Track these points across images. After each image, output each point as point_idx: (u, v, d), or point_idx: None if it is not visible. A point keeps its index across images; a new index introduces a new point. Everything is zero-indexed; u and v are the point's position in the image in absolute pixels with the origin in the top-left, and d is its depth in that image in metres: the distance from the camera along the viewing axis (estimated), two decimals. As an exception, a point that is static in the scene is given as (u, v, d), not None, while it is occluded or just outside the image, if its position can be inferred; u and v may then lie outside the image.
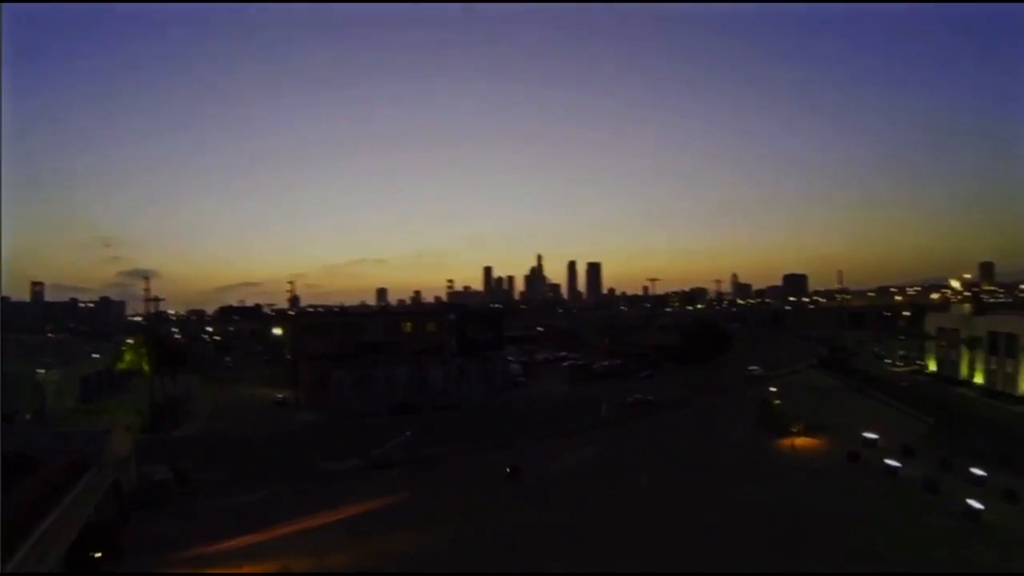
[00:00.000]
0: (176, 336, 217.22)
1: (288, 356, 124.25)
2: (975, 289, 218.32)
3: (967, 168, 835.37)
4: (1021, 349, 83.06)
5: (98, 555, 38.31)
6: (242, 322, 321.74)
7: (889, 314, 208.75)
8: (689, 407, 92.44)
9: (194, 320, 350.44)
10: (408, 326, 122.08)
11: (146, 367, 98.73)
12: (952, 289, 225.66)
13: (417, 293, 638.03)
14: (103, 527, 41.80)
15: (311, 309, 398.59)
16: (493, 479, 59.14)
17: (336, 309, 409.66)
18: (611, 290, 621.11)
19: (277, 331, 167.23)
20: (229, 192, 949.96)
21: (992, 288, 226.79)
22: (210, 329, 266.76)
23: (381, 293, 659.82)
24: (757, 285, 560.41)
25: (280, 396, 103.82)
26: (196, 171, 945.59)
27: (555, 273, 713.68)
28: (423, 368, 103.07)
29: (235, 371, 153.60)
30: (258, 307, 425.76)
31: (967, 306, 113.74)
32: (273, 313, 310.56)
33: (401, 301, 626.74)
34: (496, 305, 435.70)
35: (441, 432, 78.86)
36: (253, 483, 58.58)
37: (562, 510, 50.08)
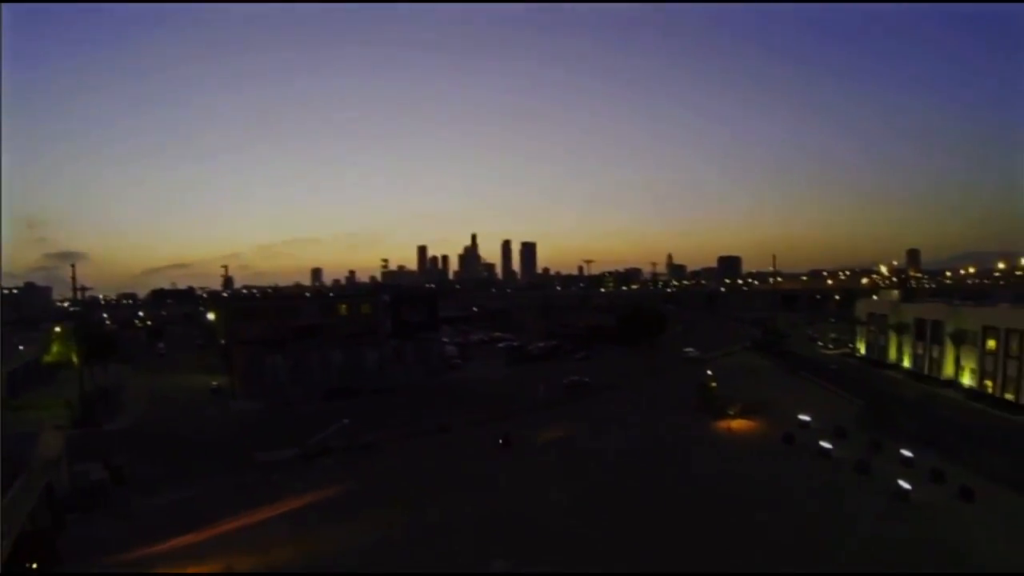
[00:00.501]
0: (107, 323, 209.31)
1: (222, 342, 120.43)
2: (903, 276, 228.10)
3: (897, 160, 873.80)
4: (946, 336, 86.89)
5: (34, 565, 36.60)
6: (175, 306, 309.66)
7: (820, 297, 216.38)
8: (626, 390, 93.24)
9: (126, 304, 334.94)
10: (343, 308, 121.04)
11: (75, 358, 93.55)
12: (881, 274, 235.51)
13: (352, 273, 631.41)
14: (38, 535, 39.65)
15: (245, 291, 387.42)
16: (432, 466, 58.99)
17: (270, 290, 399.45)
18: (546, 270, 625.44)
19: (211, 316, 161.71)
20: (158, 168, 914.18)
21: (918, 275, 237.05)
22: (141, 314, 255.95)
23: (316, 273, 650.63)
24: (692, 267, 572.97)
25: (215, 384, 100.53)
26: (123, 146, 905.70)
27: (490, 252, 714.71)
28: (358, 351, 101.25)
29: (168, 358, 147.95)
30: (191, 290, 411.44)
31: (895, 293, 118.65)
32: (207, 296, 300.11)
33: (336, 281, 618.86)
34: (430, 285, 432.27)
35: (378, 417, 78.25)
36: (190, 478, 56.82)
37: (504, 498, 50.19)
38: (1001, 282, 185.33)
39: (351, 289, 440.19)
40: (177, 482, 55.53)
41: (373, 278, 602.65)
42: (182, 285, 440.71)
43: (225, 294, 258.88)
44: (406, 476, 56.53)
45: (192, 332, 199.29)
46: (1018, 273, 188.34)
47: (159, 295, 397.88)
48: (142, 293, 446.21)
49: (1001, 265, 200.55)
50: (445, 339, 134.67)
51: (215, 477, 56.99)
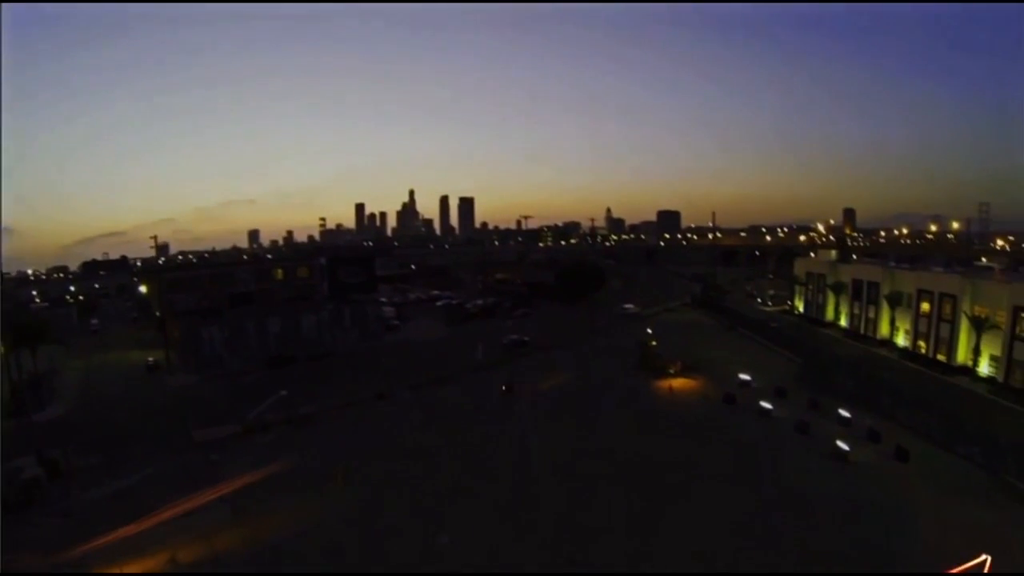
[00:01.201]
0: (36, 301, 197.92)
1: (157, 314, 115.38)
2: (840, 236, 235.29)
3: (834, 123, 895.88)
4: (882, 297, 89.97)
5: None
6: (108, 277, 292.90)
7: (759, 253, 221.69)
8: (565, 348, 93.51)
9: (58, 279, 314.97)
10: (280, 273, 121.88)
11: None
12: (818, 232, 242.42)
13: (290, 233, 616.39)
14: None
15: (181, 257, 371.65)
16: (371, 437, 58.47)
17: (207, 255, 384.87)
18: (484, 224, 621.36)
19: (143, 289, 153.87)
20: (88, 135, 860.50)
21: (853, 234, 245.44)
22: (73, 289, 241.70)
23: (253, 235, 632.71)
24: (631, 221, 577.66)
25: (151, 360, 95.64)
26: (49, 115, 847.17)
27: (428, 208, 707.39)
28: (296, 317, 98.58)
29: (102, 335, 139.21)
30: (124, 260, 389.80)
31: (833, 253, 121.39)
32: (141, 266, 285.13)
33: (274, 242, 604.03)
34: (368, 243, 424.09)
35: (317, 385, 77.15)
36: (129, 465, 54.39)
37: (445, 469, 50.08)
38: (933, 245, 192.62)
39: (289, 250, 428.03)
40: (116, 471, 53.25)
41: (311, 237, 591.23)
42: (116, 255, 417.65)
43: (161, 260, 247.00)
44: (345, 449, 55.78)
45: (126, 305, 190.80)
46: (948, 236, 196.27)
47: (90, 267, 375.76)
48: (75, 266, 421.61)
49: (933, 228, 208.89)
50: (383, 299, 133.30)
51: (155, 461, 54.88)
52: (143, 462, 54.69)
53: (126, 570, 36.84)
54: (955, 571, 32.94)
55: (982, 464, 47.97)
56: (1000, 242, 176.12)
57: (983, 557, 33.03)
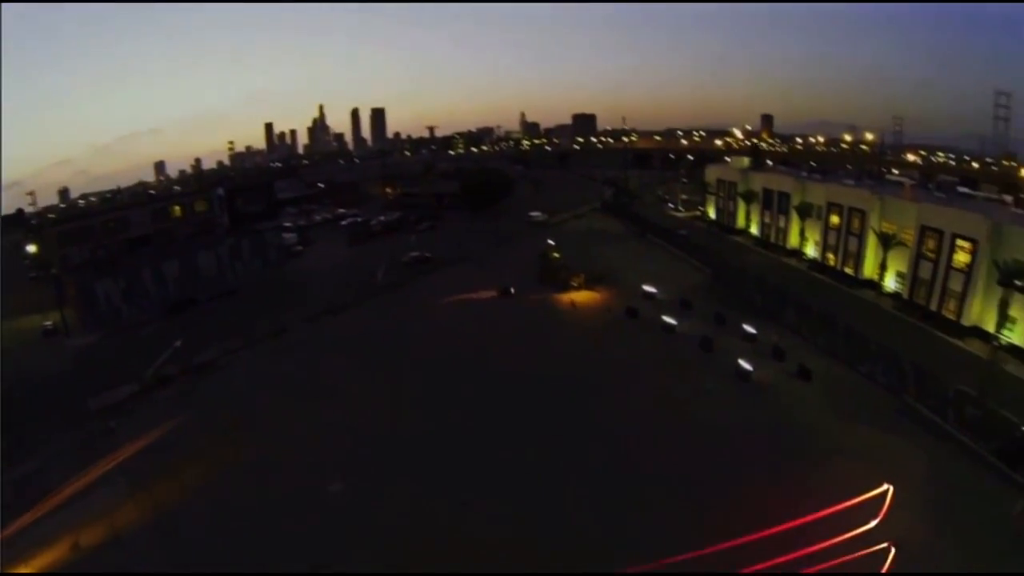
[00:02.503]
0: None
1: (54, 271, 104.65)
2: (755, 140, 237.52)
3: (751, 28, 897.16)
4: (792, 208, 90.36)
5: None
6: (3, 235, 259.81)
7: (674, 157, 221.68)
8: (469, 261, 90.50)
9: None
10: (177, 210, 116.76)
11: None
12: (735, 137, 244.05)
13: (197, 161, 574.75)
14: None
15: (83, 202, 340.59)
16: (267, 380, 55.32)
17: (109, 195, 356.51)
18: (397, 135, 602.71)
19: (32, 248, 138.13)
20: None
21: (770, 140, 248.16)
22: None
23: (159, 167, 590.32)
24: (547, 125, 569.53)
25: (48, 323, 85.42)
26: None
27: (340, 123, 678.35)
28: (194, 256, 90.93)
29: None
30: (20, 212, 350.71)
31: (746, 160, 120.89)
32: (35, 219, 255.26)
33: (182, 172, 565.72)
34: (277, 164, 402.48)
35: (218, 327, 71.83)
36: (29, 446, 48.14)
37: (351, 409, 47.95)
38: (848, 154, 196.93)
39: (197, 179, 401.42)
40: (13, 456, 46.98)
41: (220, 163, 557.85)
42: (12, 207, 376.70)
43: (51, 216, 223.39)
44: (241, 397, 52.50)
45: (22, 264, 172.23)
46: (863, 146, 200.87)
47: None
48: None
49: (848, 137, 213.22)
50: (288, 224, 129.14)
51: (56, 438, 49.03)
52: (42, 441, 48.81)
53: (31, 566, 33.88)
54: (857, 501, 32.39)
55: (884, 384, 48.31)
56: (912, 156, 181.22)
57: (885, 487, 32.57)
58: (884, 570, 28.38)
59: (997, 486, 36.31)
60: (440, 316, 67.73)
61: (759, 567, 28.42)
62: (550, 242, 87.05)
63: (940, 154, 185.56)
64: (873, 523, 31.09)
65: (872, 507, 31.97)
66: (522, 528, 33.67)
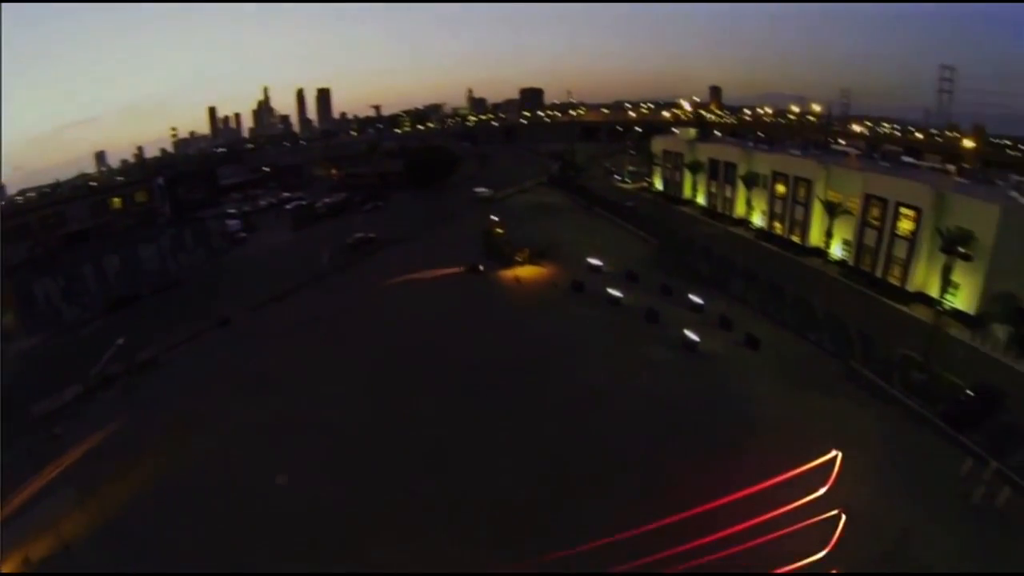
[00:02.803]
0: None
1: None
2: (701, 111, 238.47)
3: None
4: (738, 177, 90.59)
5: None
6: None
7: (622, 129, 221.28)
8: (414, 240, 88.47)
9: None
10: (116, 202, 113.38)
11: None
12: (683, 109, 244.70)
13: (140, 149, 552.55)
14: None
15: (21, 199, 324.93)
16: (211, 372, 53.16)
17: (48, 190, 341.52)
18: (343, 115, 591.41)
19: None
20: None
21: (719, 111, 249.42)
22: None
23: (100, 157, 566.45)
24: (494, 100, 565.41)
25: None
26: None
27: (286, 105, 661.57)
28: (135, 248, 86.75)
29: None
30: None
31: (692, 131, 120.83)
32: None
33: (124, 162, 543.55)
34: (221, 149, 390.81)
35: (162, 321, 68.46)
36: None
37: (296, 398, 45.91)
38: (796, 125, 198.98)
39: (140, 168, 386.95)
40: None
41: (164, 150, 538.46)
42: None
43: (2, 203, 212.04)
44: (185, 392, 49.93)
45: None
46: (810, 118, 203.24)
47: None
48: None
49: (795, 109, 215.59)
50: (232, 210, 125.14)
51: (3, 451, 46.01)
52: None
53: None
54: (806, 468, 31.90)
55: (832, 351, 48.29)
56: (858, 127, 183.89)
57: (833, 453, 32.13)
58: (836, 537, 27.94)
59: (944, 449, 36.45)
60: (384, 298, 65.68)
61: (711, 538, 27.72)
62: (493, 218, 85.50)
63: (885, 125, 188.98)
64: (823, 490, 30.66)
65: (822, 474, 31.52)
66: (468, 509, 32.67)
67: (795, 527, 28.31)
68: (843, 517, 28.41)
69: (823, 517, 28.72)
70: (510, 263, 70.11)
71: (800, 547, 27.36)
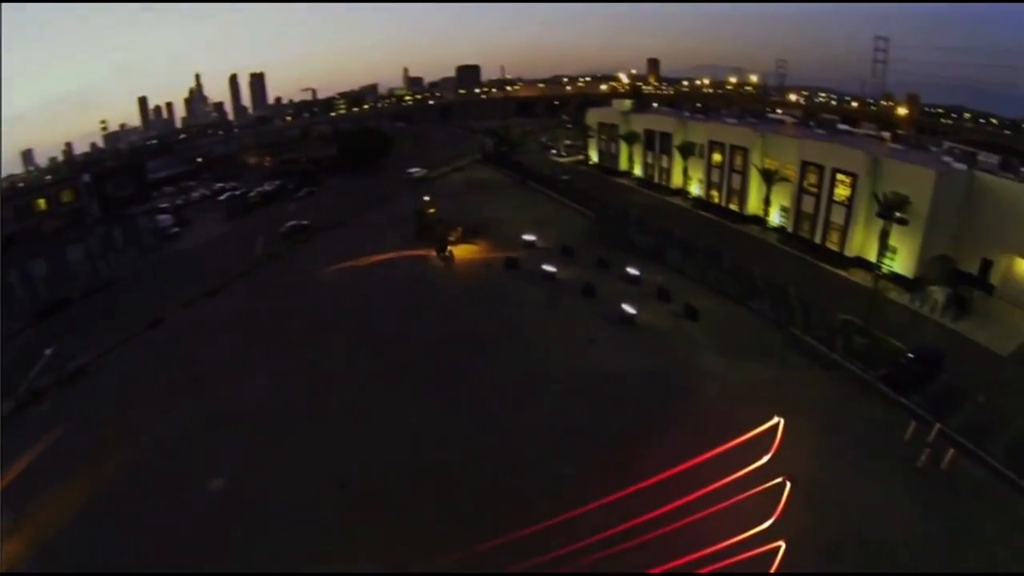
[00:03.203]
0: None
1: None
2: (637, 83, 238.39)
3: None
4: (674, 147, 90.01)
5: None
6: None
7: (558, 103, 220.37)
8: (347, 225, 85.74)
9: None
10: (42, 203, 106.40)
11: None
12: (620, 82, 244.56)
13: (69, 146, 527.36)
14: None
15: None
16: (146, 376, 49.51)
17: None
18: (278, 100, 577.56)
19: None
20: None
21: (657, 84, 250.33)
22: None
23: (27, 156, 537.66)
24: (430, 78, 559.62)
25: None
26: None
27: (219, 92, 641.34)
28: (61, 251, 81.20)
29: None
30: None
31: (627, 103, 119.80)
32: None
33: (53, 159, 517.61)
34: (152, 141, 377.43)
35: (93, 326, 64.14)
36: None
37: (230, 396, 43.50)
38: (733, 95, 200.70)
39: (69, 165, 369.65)
40: None
41: (94, 145, 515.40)
42: None
43: None
44: (117, 399, 46.59)
45: None
46: (748, 88, 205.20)
47: None
48: None
49: (733, 80, 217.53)
50: (164, 205, 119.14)
51: None
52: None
53: None
54: (747, 437, 30.83)
55: (772, 319, 47.68)
56: (794, 96, 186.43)
57: (775, 420, 31.09)
58: (782, 504, 26.97)
59: (887, 413, 36.22)
60: (317, 286, 63.22)
61: (657, 513, 26.84)
62: (425, 198, 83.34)
63: (822, 95, 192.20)
64: (766, 458, 29.64)
65: (764, 442, 30.56)
66: (404, 501, 31.12)
67: (741, 496, 27.39)
68: (788, 485, 27.47)
69: (768, 485, 27.75)
70: (443, 242, 68.13)
71: (745, 518, 26.26)
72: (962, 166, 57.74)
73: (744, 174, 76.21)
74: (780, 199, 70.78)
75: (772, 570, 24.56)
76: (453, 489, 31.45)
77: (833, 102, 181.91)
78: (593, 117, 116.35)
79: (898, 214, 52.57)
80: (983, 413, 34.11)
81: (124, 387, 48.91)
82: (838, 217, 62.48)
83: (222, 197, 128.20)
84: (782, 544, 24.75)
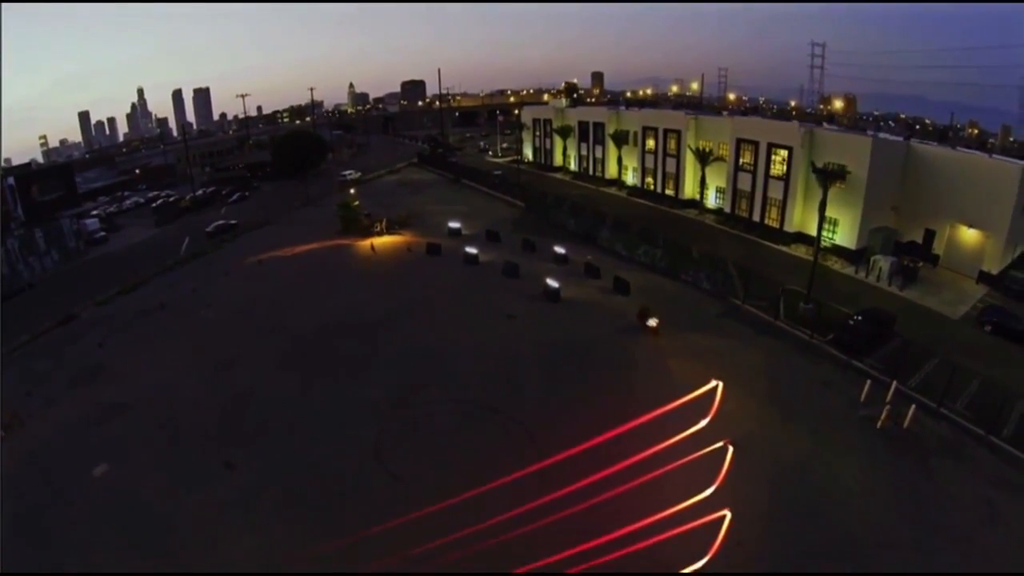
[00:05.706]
0: None
1: None
2: (573, 81, 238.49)
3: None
4: (608, 136, 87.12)
5: None
6: None
7: (500, 113, 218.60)
8: (274, 224, 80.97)
9: None
10: None
11: None
12: (562, 91, 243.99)
13: (8, 161, 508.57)
14: None
15: None
16: (45, 375, 44.39)
17: None
18: (223, 115, 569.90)
19: None
20: None
21: (600, 95, 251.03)
22: None
23: None
24: (376, 94, 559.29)
25: None
26: None
27: (163, 107, 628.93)
28: None
29: None
30: None
31: (563, 100, 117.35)
32: None
33: None
34: (87, 155, 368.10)
35: (9, 325, 57.94)
36: None
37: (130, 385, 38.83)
38: (673, 101, 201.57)
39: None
40: None
41: (34, 160, 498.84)
42: None
43: None
44: (15, 392, 41.86)
45: None
46: (688, 94, 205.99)
47: None
48: None
49: (674, 88, 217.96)
50: (95, 211, 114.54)
51: None
52: None
53: None
54: (686, 399, 26.54)
55: (711, 291, 43.78)
56: (733, 96, 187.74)
57: (714, 383, 26.82)
58: (725, 467, 23.51)
59: (839, 375, 33.21)
60: (233, 276, 58.79)
61: (594, 478, 22.60)
62: (351, 191, 78.68)
63: (761, 99, 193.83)
64: (704, 422, 25.41)
65: (702, 407, 26.40)
66: (297, 484, 27.04)
67: (683, 460, 23.19)
68: (730, 449, 23.33)
69: (710, 449, 23.67)
70: (367, 234, 63.64)
71: (684, 487, 22.52)
72: (898, 138, 55.68)
73: (679, 158, 72.90)
74: (716, 180, 67.68)
75: (718, 541, 21.49)
76: (366, 471, 27.32)
77: (774, 107, 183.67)
78: (528, 114, 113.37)
79: (840, 185, 50.15)
80: (941, 371, 31.11)
81: (25, 381, 44.61)
82: (776, 193, 59.54)
83: (155, 204, 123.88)
84: (727, 513, 21.46)
